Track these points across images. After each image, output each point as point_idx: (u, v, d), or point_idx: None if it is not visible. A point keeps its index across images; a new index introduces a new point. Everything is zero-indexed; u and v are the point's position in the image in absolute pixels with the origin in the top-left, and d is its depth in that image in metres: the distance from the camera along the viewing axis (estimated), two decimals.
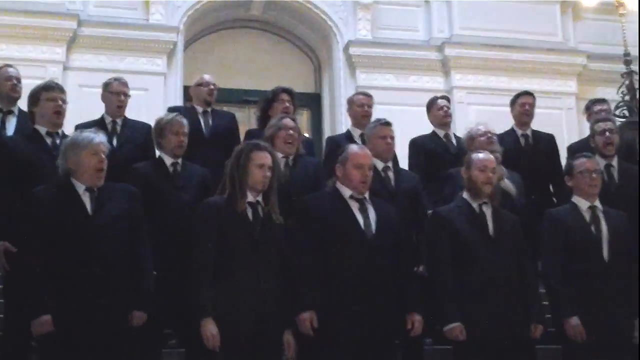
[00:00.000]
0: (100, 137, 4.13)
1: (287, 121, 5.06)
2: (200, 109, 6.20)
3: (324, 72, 11.84)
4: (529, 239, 4.65)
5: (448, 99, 6.56)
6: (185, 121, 5.22)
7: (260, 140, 4.39)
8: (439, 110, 6.36)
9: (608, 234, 4.52)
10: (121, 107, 5.88)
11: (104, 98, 5.92)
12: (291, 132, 4.98)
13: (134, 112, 6.29)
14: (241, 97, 10.90)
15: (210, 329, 3.76)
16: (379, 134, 5.07)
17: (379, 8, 11.38)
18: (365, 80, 10.98)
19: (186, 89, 9.89)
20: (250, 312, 3.84)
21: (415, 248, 4.89)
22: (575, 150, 5.86)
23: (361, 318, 3.97)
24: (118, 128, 5.82)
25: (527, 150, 6.27)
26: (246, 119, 10.62)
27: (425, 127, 6.67)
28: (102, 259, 3.89)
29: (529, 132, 6.37)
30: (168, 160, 5.11)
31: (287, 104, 5.80)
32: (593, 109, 6.39)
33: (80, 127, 5.31)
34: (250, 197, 4.02)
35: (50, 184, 4.14)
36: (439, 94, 7.39)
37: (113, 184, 4.19)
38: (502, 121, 6.40)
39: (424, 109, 6.72)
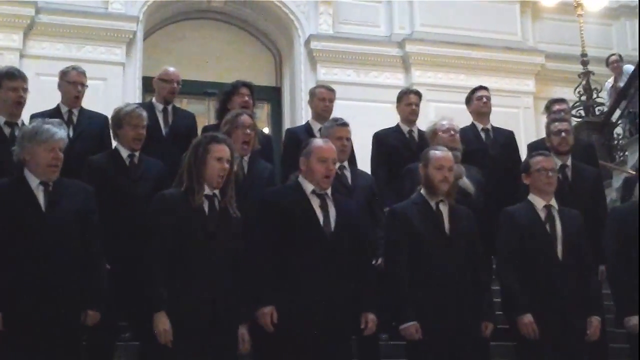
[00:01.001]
0: (61, 133, 4.05)
1: (245, 119, 4.93)
2: (160, 106, 6.04)
3: (285, 65, 11.83)
4: (486, 236, 4.69)
5: (420, 95, 6.55)
6: (145, 114, 5.14)
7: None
8: (406, 105, 6.37)
9: (562, 233, 4.55)
10: (78, 97, 5.78)
11: (60, 87, 5.81)
12: (248, 131, 4.90)
13: (91, 101, 6.20)
14: (201, 90, 10.82)
15: (162, 323, 3.73)
16: (335, 135, 5.03)
17: (340, 3, 11.40)
18: (326, 75, 11.00)
19: (145, 79, 9.82)
20: (204, 306, 3.81)
21: (374, 245, 4.88)
22: (535, 148, 5.91)
23: (318, 314, 3.96)
24: (74, 118, 5.72)
25: (488, 144, 6.31)
26: (206, 112, 10.58)
27: (385, 123, 6.68)
28: (53, 257, 3.83)
29: (489, 127, 6.42)
30: (124, 153, 5.04)
31: (247, 98, 5.75)
32: (553, 108, 6.44)
33: (35, 116, 5.19)
34: (207, 190, 3.99)
35: (3, 177, 4.06)
36: (400, 90, 7.40)
37: (67, 180, 4.11)
38: (461, 119, 6.42)
39: (384, 104, 6.75)
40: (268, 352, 4.10)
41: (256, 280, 3.98)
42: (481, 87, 6.58)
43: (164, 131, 5.96)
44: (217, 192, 4.02)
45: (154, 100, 6.17)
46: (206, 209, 3.96)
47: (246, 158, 4.88)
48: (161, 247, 3.83)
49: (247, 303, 3.96)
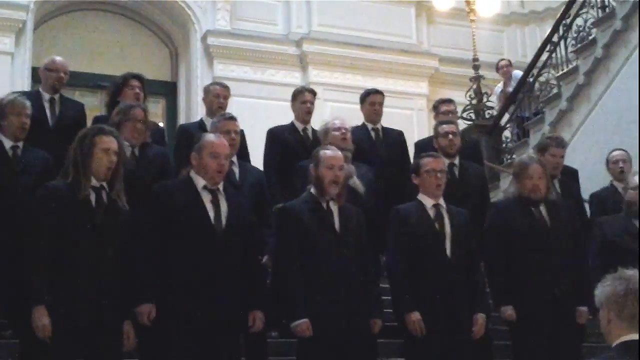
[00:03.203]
0: None
1: (137, 112, 4.85)
2: (47, 96, 5.84)
3: (181, 60, 11.70)
4: (376, 234, 4.74)
5: (314, 93, 6.56)
6: (28, 103, 5.00)
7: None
8: (302, 103, 6.37)
9: (451, 231, 4.64)
10: None
11: None
12: (139, 125, 4.82)
13: None
14: (94, 82, 10.60)
15: (41, 317, 3.62)
16: (223, 128, 4.99)
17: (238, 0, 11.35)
18: (223, 71, 10.93)
19: (35, 70, 9.50)
20: (87, 301, 3.71)
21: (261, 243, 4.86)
22: (422, 146, 6.02)
23: (206, 311, 3.91)
24: None
25: (378, 144, 6.38)
26: (99, 105, 10.36)
27: (280, 121, 6.67)
28: None
29: (379, 127, 6.50)
30: (7, 143, 4.89)
31: (138, 91, 5.64)
32: (440, 108, 6.56)
33: None
34: (94, 183, 3.89)
35: None
36: (297, 88, 7.41)
37: None
38: (356, 119, 6.49)
39: (280, 102, 6.74)
40: (154, 351, 4.03)
41: (139, 277, 3.91)
42: (375, 91, 6.63)
43: (50, 122, 5.78)
44: (104, 184, 3.93)
45: (40, 89, 5.97)
46: (93, 201, 3.87)
47: (136, 151, 4.79)
48: (42, 240, 3.71)
49: (132, 299, 3.89)
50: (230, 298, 4.01)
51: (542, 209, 4.89)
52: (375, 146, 6.32)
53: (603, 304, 2.70)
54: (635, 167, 6.30)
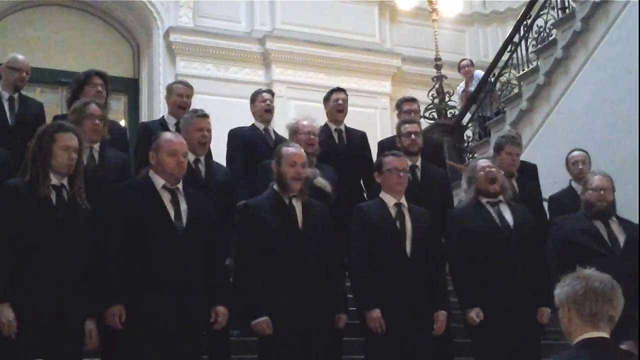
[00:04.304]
0: None
1: (94, 109, 4.80)
2: (6, 95, 5.78)
3: (144, 57, 11.60)
4: (339, 233, 4.75)
5: (272, 93, 6.55)
6: None
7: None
8: (261, 102, 6.35)
9: (412, 230, 4.67)
10: None
11: None
12: (97, 122, 4.77)
13: None
14: (55, 78, 10.47)
15: (5, 314, 3.58)
16: (195, 126, 4.96)
17: None
18: (185, 69, 10.88)
19: None
20: (50, 299, 3.68)
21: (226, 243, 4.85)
22: (385, 145, 6.03)
23: (168, 310, 3.90)
24: None
25: (341, 146, 6.38)
26: (60, 102, 10.24)
27: (244, 119, 6.65)
28: None
29: (342, 128, 6.49)
30: None
31: (100, 88, 5.56)
32: (403, 107, 6.58)
33: None
34: (54, 181, 3.85)
35: None
36: (260, 87, 7.40)
37: None
38: (320, 117, 6.48)
39: (244, 100, 6.69)
40: (116, 350, 4.00)
41: (104, 277, 3.88)
42: (339, 89, 6.62)
43: (9, 120, 5.71)
44: (65, 182, 3.89)
45: (1, 87, 5.89)
46: (53, 199, 3.83)
47: (96, 147, 4.74)
48: (3, 239, 3.67)
49: (95, 298, 3.85)
50: (193, 296, 3.99)
51: (500, 209, 4.95)
52: (338, 149, 6.30)
53: (563, 303, 2.74)
54: (593, 168, 6.38)
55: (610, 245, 5.02)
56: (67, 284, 3.74)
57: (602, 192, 5.12)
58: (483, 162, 5.13)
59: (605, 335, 2.67)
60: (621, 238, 5.07)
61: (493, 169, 5.06)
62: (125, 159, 5.07)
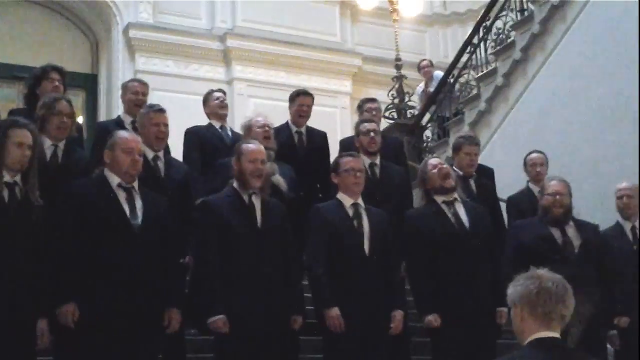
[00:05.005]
0: None
1: (64, 106, 4.75)
2: None
3: (102, 52, 11.49)
4: (297, 232, 4.75)
5: (224, 92, 6.54)
6: None
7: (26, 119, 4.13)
8: (214, 100, 6.33)
9: (369, 230, 4.68)
10: None
11: None
12: (65, 119, 4.71)
13: None
14: (11, 73, 10.32)
15: None
16: (152, 121, 4.93)
17: None
18: (145, 65, 10.79)
19: None
20: (0, 298, 3.62)
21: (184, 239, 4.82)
22: (346, 144, 6.05)
23: (123, 309, 3.87)
24: None
25: (300, 147, 6.38)
26: (16, 97, 10.11)
27: (204, 116, 6.61)
28: None
29: (303, 130, 6.48)
30: None
31: (57, 84, 5.49)
32: (364, 107, 6.59)
33: None
34: (7, 177, 3.79)
35: None
36: (219, 85, 7.38)
37: None
38: (280, 115, 6.47)
39: None
40: (69, 349, 3.96)
41: (59, 275, 3.83)
42: (305, 93, 6.56)
43: None
44: (18, 179, 3.83)
45: None
46: (6, 197, 3.77)
47: (61, 145, 4.70)
48: None
49: (47, 297, 3.81)
50: (147, 295, 3.96)
51: (456, 209, 4.97)
52: (297, 149, 6.31)
53: (516, 302, 2.76)
54: (550, 169, 6.45)
55: (565, 251, 5.06)
56: (18, 282, 3.69)
57: (558, 197, 5.15)
58: (433, 161, 5.15)
59: (557, 335, 2.70)
60: (577, 242, 5.11)
61: (444, 165, 5.09)
62: (89, 160, 5.01)
